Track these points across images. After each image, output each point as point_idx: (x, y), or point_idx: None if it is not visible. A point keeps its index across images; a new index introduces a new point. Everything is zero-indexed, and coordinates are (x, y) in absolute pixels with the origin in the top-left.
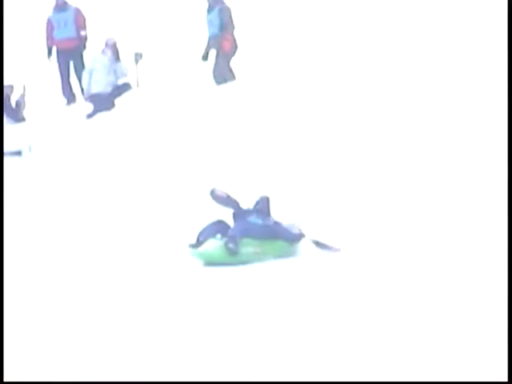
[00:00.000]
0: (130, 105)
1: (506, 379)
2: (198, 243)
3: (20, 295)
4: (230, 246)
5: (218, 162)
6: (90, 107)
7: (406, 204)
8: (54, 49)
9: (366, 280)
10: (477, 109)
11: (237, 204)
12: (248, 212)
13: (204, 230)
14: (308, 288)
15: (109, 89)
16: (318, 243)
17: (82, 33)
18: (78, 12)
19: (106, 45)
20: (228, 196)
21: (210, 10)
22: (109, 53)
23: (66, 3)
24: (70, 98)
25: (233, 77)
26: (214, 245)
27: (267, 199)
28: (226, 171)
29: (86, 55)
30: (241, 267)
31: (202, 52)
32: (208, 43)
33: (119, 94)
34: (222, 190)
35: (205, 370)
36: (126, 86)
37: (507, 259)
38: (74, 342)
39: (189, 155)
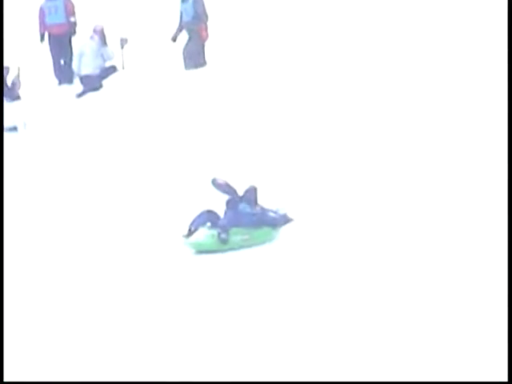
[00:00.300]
0: (116, 85)
1: (505, 379)
2: (190, 233)
3: (19, 294)
4: (223, 236)
5: (203, 143)
6: (79, 87)
7: (393, 193)
8: (46, 34)
9: (358, 271)
10: (477, 109)
11: (234, 191)
12: (240, 200)
13: (195, 219)
14: (292, 272)
15: (97, 71)
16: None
17: (72, 19)
18: (67, 0)
19: (94, 31)
20: (227, 184)
21: (184, 0)
22: (96, 38)
23: None
24: (62, 78)
25: (204, 62)
26: (205, 234)
27: (255, 189)
28: (212, 156)
29: (76, 40)
30: (230, 254)
31: (173, 34)
32: (179, 27)
33: (106, 76)
34: (221, 178)
35: (199, 356)
36: (112, 69)
37: (507, 259)
38: (71, 337)
39: (170, 135)
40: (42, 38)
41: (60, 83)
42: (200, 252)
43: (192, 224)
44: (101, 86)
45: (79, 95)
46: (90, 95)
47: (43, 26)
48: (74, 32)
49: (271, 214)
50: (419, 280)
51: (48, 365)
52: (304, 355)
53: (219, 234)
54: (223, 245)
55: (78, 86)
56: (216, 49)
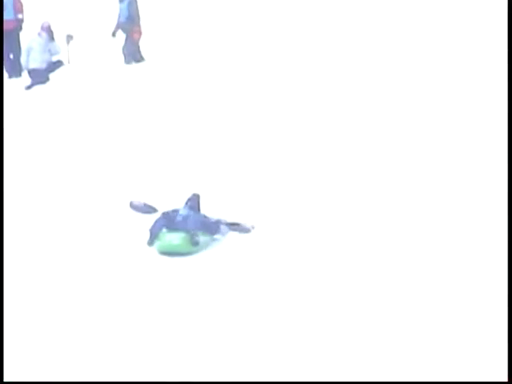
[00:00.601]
0: (62, 78)
1: (505, 379)
2: (152, 238)
3: (18, 293)
4: (196, 239)
5: (146, 134)
6: (28, 80)
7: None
8: None
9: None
10: (477, 109)
11: (154, 209)
12: (174, 211)
13: (153, 226)
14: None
15: (44, 65)
16: (238, 228)
17: (19, 16)
18: None
19: (42, 28)
20: (145, 204)
21: (121, 1)
22: (44, 34)
23: None
24: (11, 72)
25: (142, 58)
26: (176, 236)
27: (198, 196)
28: (156, 150)
29: (24, 36)
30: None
31: (113, 31)
32: (117, 25)
33: (53, 70)
34: (138, 200)
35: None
36: (58, 63)
37: (507, 259)
38: (68, 337)
39: (112, 126)
40: None
41: (10, 76)
42: (167, 254)
43: (152, 228)
44: (48, 79)
45: (28, 87)
46: (38, 88)
47: None
48: (21, 28)
49: (213, 221)
50: (417, 280)
51: (48, 365)
52: (280, 355)
53: (192, 237)
54: (194, 247)
55: (26, 79)
56: (154, 45)
